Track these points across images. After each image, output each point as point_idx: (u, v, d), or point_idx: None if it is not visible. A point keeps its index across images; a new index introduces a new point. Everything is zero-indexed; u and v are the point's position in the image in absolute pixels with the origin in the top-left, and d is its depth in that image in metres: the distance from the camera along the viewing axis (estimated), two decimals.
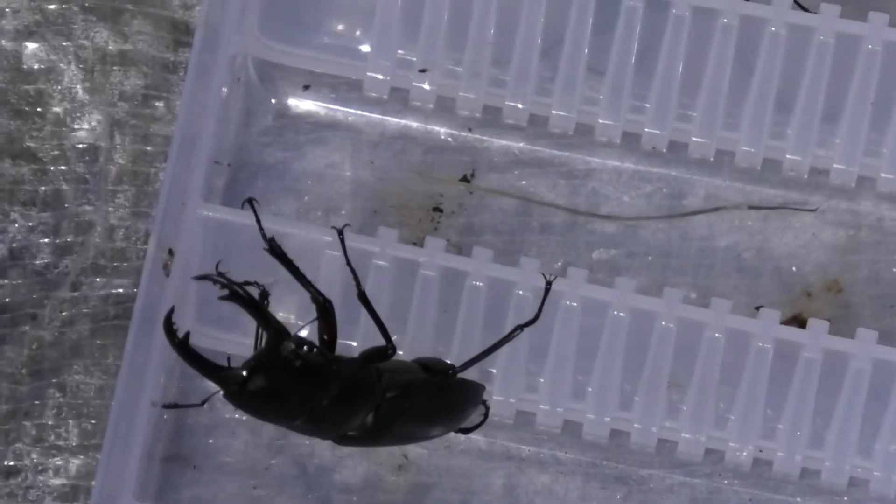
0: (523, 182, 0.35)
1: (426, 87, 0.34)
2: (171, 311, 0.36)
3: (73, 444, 0.33)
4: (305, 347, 0.36)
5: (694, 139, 0.34)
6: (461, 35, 0.34)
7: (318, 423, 0.38)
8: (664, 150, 0.35)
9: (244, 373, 0.36)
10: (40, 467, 0.33)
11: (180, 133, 0.33)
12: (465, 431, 0.33)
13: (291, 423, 0.38)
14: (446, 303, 0.33)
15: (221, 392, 0.35)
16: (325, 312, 0.37)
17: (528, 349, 0.32)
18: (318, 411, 0.37)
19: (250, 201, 0.36)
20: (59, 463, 0.33)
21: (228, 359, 0.36)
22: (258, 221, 0.33)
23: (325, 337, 0.35)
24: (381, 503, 0.33)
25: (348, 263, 0.31)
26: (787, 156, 0.34)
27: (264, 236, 0.36)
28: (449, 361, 0.32)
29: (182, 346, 0.36)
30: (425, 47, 0.34)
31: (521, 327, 0.32)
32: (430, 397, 0.34)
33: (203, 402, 0.34)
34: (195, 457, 0.34)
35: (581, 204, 0.35)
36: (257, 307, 0.37)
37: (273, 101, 0.36)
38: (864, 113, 0.33)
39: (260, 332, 0.37)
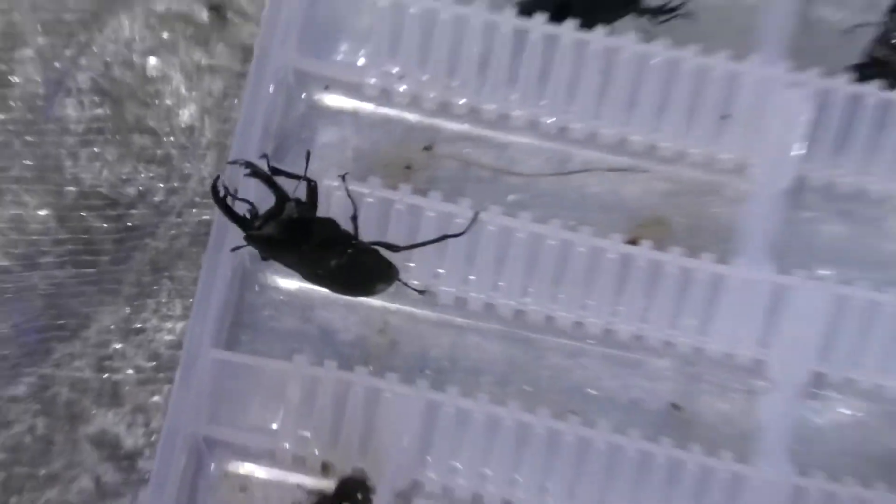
0: (466, 150, 0.51)
1: (402, 88, 0.50)
2: (217, 179, 0.49)
3: (178, 314, 0.50)
4: (299, 208, 0.49)
5: (575, 125, 0.50)
6: (426, 53, 0.50)
7: (302, 260, 0.51)
8: (555, 132, 0.51)
9: (259, 223, 0.49)
10: (158, 329, 0.51)
11: (243, 117, 0.49)
12: (421, 293, 0.50)
13: (288, 259, 0.52)
14: (411, 227, 0.50)
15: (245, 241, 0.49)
16: (312, 190, 0.50)
17: (463, 257, 0.49)
18: (304, 252, 0.50)
19: (265, 156, 0.50)
20: (169, 326, 0.51)
21: (251, 213, 0.50)
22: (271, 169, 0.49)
23: (312, 205, 0.49)
24: (370, 353, 0.51)
25: (349, 196, 0.47)
26: (632, 136, 0.50)
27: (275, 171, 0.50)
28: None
29: (222, 203, 0.49)
30: (403, 62, 0.50)
31: (448, 236, 0.49)
32: (374, 262, 0.50)
33: (235, 249, 0.50)
34: (253, 323, 0.52)
35: (503, 165, 0.51)
36: (269, 179, 0.49)
37: (304, 96, 0.53)
38: (682, 111, 0.50)
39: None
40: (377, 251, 0.50)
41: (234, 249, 0.48)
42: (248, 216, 0.50)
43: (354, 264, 0.51)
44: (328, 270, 0.51)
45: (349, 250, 0.50)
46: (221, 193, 0.48)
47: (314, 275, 0.51)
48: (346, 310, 0.52)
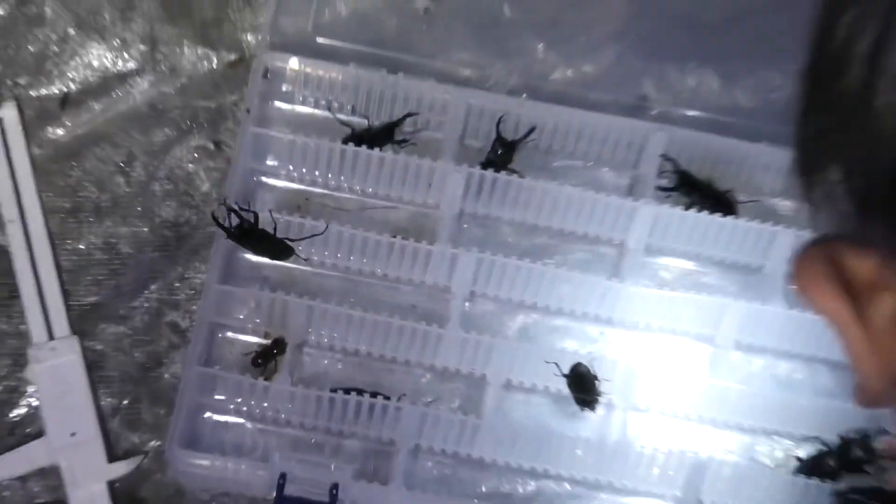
0: (324, 201, 1.11)
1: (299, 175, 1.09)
2: (213, 212, 0.93)
3: (203, 274, 1.08)
4: (250, 225, 0.93)
5: (368, 189, 1.09)
6: (316, 163, 1.09)
7: (252, 246, 0.98)
8: (359, 192, 1.10)
9: (234, 231, 0.93)
10: (192, 283, 1.03)
11: (228, 186, 1.08)
12: (305, 259, 1.09)
13: (246, 245, 0.97)
14: (301, 232, 1.08)
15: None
16: (255, 217, 0.95)
17: (321, 241, 1.09)
18: (252, 242, 0.96)
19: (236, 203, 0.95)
20: (199, 279, 1.05)
21: (236, 225, 0.92)
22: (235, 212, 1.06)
23: (254, 224, 0.94)
24: (295, 282, 1.09)
25: (271, 217, 1.05)
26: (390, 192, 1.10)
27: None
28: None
29: (217, 222, 0.92)
30: (298, 165, 1.09)
31: (314, 235, 1.07)
32: (283, 246, 0.96)
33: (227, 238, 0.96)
34: (237, 273, 1.08)
35: (338, 205, 1.12)
36: (237, 212, 0.92)
37: (255, 178, 1.12)
38: (399, 178, 1.09)
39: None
40: (284, 241, 0.96)
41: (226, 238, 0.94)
42: (230, 227, 0.92)
43: (274, 247, 0.96)
44: (262, 250, 0.98)
45: (270, 241, 0.95)
46: (220, 218, 0.91)
47: (257, 251, 0.98)
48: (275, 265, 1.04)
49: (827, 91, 0.37)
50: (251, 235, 0.97)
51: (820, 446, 1.00)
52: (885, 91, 0.34)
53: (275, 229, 0.98)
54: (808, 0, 1.11)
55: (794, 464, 1.01)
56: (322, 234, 0.99)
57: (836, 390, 1.04)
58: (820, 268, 0.39)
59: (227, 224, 0.95)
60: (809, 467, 1.00)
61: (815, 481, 0.97)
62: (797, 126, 0.39)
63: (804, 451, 1.02)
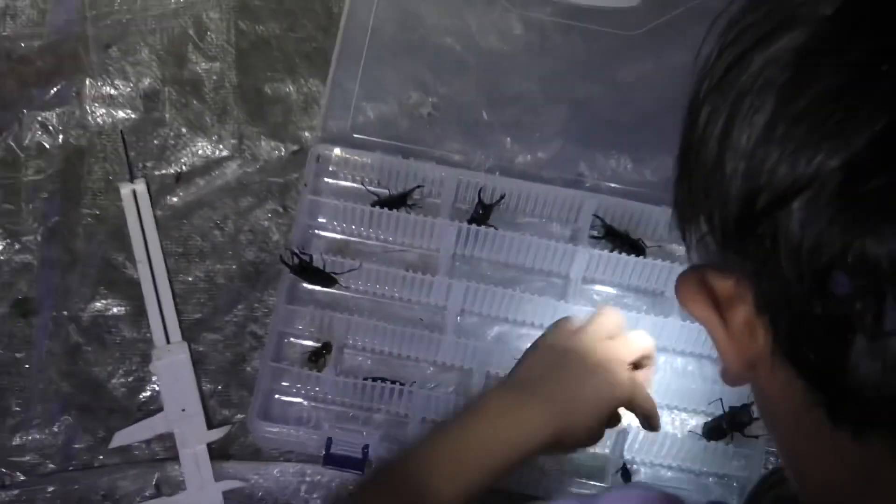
0: (359, 248, 1.18)
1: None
2: (282, 254, 1.03)
3: (273, 302, 1.17)
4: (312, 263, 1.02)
5: (391, 239, 1.17)
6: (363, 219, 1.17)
7: (309, 278, 1.04)
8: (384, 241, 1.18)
9: (294, 269, 1.03)
10: (266, 304, 1.17)
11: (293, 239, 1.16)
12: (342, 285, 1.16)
13: (305, 278, 1.04)
14: (345, 267, 1.16)
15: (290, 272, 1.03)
16: (310, 259, 1.04)
17: (357, 275, 1.16)
18: (309, 276, 1.03)
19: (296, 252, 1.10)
20: (272, 301, 1.16)
21: (297, 263, 1.03)
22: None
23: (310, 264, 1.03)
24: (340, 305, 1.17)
25: (322, 259, 1.14)
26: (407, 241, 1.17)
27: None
28: None
29: (283, 262, 1.03)
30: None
31: (348, 270, 1.14)
32: (329, 278, 1.05)
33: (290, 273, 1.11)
34: (301, 299, 1.16)
35: (370, 252, 1.19)
36: (299, 257, 1.01)
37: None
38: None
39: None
40: (330, 274, 1.04)
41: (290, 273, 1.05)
42: (293, 265, 1.03)
43: (323, 278, 1.04)
44: (315, 280, 1.05)
45: (320, 274, 1.03)
46: (286, 258, 1.02)
47: (311, 281, 1.05)
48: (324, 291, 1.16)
49: (692, 164, 0.38)
50: (307, 270, 1.06)
51: (715, 414, 1.04)
52: (731, 161, 0.36)
53: (324, 266, 1.07)
54: None
55: (690, 427, 1.07)
56: (357, 269, 1.07)
57: (717, 377, 1.07)
58: (695, 287, 0.39)
59: (291, 263, 1.05)
60: (708, 430, 1.05)
61: (712, 442, 1.04)
62: (674, 190, 0.41)
63: (696, 421, 1.07)
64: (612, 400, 0.76)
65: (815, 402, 0.35)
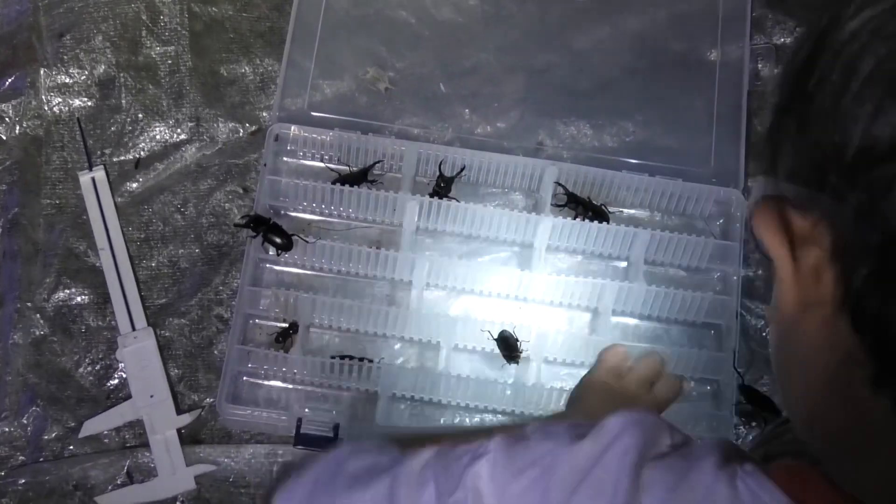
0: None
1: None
2: (244, 217, 1.02)
3: (238, 279, 1.11)
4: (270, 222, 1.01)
5: (359, 216, 1.12)
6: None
7: (268, 237, 1.01)
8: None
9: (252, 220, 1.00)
10: (231, 282, 1.11)
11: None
12: (311, 241, 1.11)
13: (268, 240, 1.00)
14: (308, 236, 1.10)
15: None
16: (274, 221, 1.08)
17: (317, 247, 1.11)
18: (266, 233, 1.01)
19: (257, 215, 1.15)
20: (237, 282, 1.10)
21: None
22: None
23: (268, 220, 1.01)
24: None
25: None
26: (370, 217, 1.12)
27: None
28: None
29: (239, 225, 1.04)
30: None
31: (310, 240, 1.09)
32: (288, 237, 1.09)
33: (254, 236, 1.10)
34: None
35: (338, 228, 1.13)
36: (260, 218, 0.99)
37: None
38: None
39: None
40: (288, 234, 1.01)
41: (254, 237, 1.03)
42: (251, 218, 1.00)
43: (283, 235, 1.01)
44: (276, 239, 1.01)
45: (280, 231, 1.01)
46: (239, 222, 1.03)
47: (273, 243, 1.02)
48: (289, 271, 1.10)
49: (810, 95, 0.34)
50: (263, 222, 1.02)
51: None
52: (860, 102, 0.32)
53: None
54: (648, 74, 1.14)
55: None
56: (314, 242, 1.04)
57: (682, 340, 1.04)
58: (772, 218, 0.36)
59: (247, 224, 1.04)
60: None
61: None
62: (773, 116, 0.37)
63: None
64: None
65: (859, 362, 0.33)
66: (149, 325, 1.06)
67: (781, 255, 0.36)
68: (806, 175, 0.34)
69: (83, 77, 1.17)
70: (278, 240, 1.03)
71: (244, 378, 1.04)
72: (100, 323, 1.07)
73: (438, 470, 0.40)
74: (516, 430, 0.41)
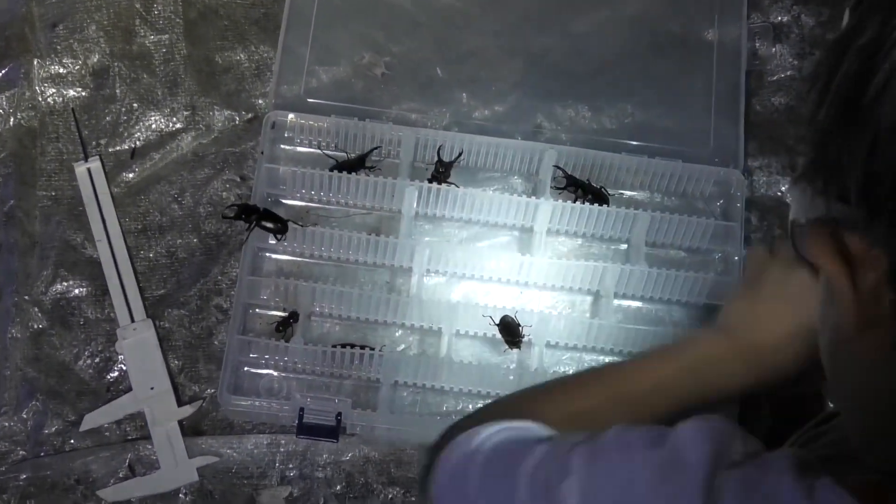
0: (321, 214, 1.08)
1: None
2: (231, 206, 0.96)
3: (237, 268, 1.07)
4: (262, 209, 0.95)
5: (353, 202, 1.07)
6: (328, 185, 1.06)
7: (260, 223, 0.95)
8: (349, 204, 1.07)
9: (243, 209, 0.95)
10: (230, 274, 1.06)
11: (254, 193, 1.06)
12: (303, 225, 1.06)
13: (262, 227, 0.95)
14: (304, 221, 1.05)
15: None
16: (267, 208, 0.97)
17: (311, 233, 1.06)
18: (259, 220, 0.94)
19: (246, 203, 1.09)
20: (235, 273, 1.06)
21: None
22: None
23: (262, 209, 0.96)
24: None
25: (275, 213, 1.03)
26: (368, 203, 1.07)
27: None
28: None
29: (228, 217, 0.99)
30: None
31: (300, 224, 1.04)
32: (283, 223, 1.01)
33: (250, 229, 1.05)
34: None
35: (337, 215, 1.09)
36: (251, 206, 0.94)
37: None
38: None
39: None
40: (285, 220, 0.97)
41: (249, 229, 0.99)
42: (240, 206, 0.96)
43: (278, 220, 0.97)
44: (270, 225, 0.96)
45: (273, 217, 0.97)
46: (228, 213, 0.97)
47: (268, 229, 0.97)
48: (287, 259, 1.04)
49: (858, 119, 0.33)
50: (254, 210, 0.98)
51: None
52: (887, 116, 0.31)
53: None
54: (646, 55, 1.09)
55: None
56: (305, 226, 1.01)
57: (684, 321, 1.00)
58: (826, 241, 0.35)
59: (235, 214, 0.99)
60: None
61: None
62: (821, 138, 0.35)
63: None
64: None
65: None
66: (148, 316, 1.02)
67: (839, 274, 0.35)
68: (859, 197, 0.33)
69: (77, 67, 1.12)
70: (272, 225, 0.99)
71: (245, 368, 1.00)
72: (98, 315, 1.03)
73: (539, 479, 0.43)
74: (597, 440, 0.42)
